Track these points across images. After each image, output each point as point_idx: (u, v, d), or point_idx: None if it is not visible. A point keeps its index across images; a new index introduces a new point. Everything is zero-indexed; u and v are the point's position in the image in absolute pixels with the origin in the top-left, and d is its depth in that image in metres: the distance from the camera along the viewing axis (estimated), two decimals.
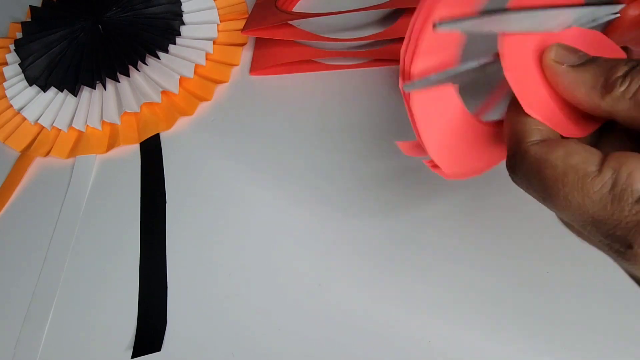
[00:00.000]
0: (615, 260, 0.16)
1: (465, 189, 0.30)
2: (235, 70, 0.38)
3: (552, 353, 0.25)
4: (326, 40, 0.36)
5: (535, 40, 0.18)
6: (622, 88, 0.15)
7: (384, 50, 0.36)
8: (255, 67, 0.37)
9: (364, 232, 0.30)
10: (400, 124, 0.33)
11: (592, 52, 0.18)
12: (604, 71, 0.16)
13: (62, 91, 0.37)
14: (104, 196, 0.34)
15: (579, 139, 0.18)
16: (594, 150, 0.16)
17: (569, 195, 0.15)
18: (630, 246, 0.15)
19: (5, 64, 0.40)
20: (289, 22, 0.36)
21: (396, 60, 0.35)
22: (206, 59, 0.38)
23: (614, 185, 0.15)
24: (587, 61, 0.17)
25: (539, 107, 0.18)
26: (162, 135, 0.36)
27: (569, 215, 0.16)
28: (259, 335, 0.28)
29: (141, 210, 0.33)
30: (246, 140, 0.34)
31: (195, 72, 0.37)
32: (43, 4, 0.42)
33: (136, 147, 0.36)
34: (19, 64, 0.38)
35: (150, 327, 0.29)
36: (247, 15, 0.39)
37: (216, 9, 0.40)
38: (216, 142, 0.35)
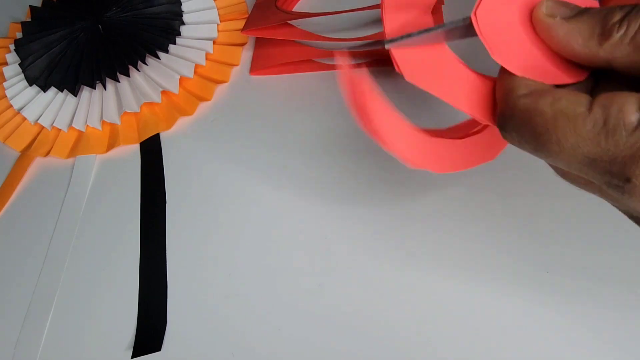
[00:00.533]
0: (615, 201, 0.16)
1: (465, 185, 0.30)
2: (235, 70, 0.38)
3: None
4: (326, 40, 0.36)
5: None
6: (620, 33, 0.15)
7: (384, 50, 0.36)
8: (255, 67, 0.37)
9: (365, 232, 0.30)
10: None
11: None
12: (600, 19, 0.16)
13: (62, 91, 0.37)
14: (104, 196, 0.34)
15: (569, 86, 0.18)
16: (581, 93, 0.16)
17: (561, 139, 0.15)
18: (628, 179, 0.15)
19: (5, 64, 0.40)
20: (288, 22, 0.36)
21: None
22: (206, 58, 0.38)
23: (605, 121, 0.15)
24: (580, 12, 0.16)
25: (525, 64, 0.18)
26: (162, 135, 0.36)
27: (564, 160, 0.16)
28: (259, 336, 0.28)
29: (141, 210, 0.33)
30: (246, 140, 0.34)
31: (195, 72, 0.37)
32: (43, 4, 0.42)
33: (136, 147, 0.36)
34: (19, 64, 0.38)
35: (150, 327, 0.29)
36: (247, 15, 0.39)
37: (216, 9, 0.40)
38: (216, 142, 0.35)
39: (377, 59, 0.35)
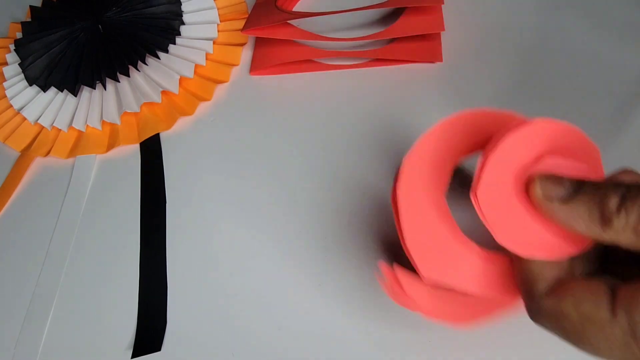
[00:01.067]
0: None
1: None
2: (235, 70, 0.38)
3: None
4: (326, 40, 0.36)
5: (511, 170, 0.18)
6: (621, 223, 0.15)
7: (384, 50, 0.36)
8: (255, 67, 0.37)
9: (365, 233, 0.30)
10: (400, 123, 0.33)
11: (570, 149, 0.18)
12: (597, 204, 0.16)
13: (62, 91, 0.37)
14: (104, 196, 0.34)
15: (584, 260, 0.18)
16: (599, 287, 0.16)
17: (593, 343, 0.16)
18: None
19: (5, 63, 0.40)
20: (288, 21, 0.36)
21: (396, 60, 0.35)
22: (206, 58, 0.38)
23: (633, 329, 0.15)
24: (576, 192, 0.17)
25: (530, 243, 0.18)
26: (162, 135, 0.36)
27: (601, 357, 0.16)
28: (259, 335, 0.28)
29: (141, 210, 0.33)
30: (246, 140, 0.34)
31: (195, 72, 0.37)
32: (43, 3, 0.42)
33: (136, 147, 0.36)
34: (19, 64, 0.38)
35: (150, 327, 0.29)
36: (247, 15, 0.39)
37: (216, 9, 0.40)
38: (216, 141, 0.35)
39: (377, 59, 0.35)
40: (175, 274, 0.30)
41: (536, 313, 0.17)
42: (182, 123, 0.36)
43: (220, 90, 0.37)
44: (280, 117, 0.35)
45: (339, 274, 0.29)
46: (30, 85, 0.38)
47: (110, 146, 0.36)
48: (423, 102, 0.33)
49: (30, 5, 0.41)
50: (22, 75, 0.38)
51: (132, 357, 0.28)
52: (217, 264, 0.30)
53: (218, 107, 0.36)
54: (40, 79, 0.38)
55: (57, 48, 0.38)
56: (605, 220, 0.16)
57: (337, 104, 0.34)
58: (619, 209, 0.15)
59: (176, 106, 0.37)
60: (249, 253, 0.30)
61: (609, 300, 0.15)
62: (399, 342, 0.27)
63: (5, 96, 0.38)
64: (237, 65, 0.38)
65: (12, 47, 0.40)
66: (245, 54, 0.38)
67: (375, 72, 0.35)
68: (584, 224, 0.16)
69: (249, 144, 0.34)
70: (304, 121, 0.34)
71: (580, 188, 0.17)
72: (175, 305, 0.29)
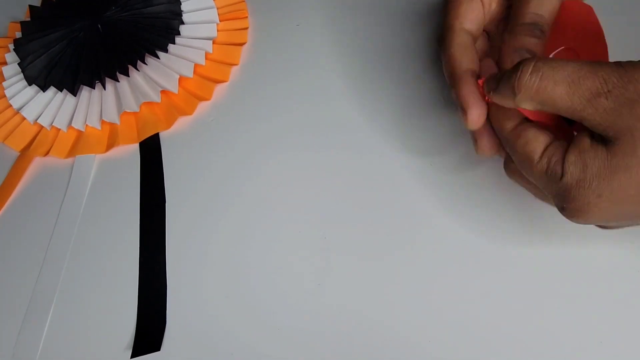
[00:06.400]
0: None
1: (471, 183, 0.30)
2: (234, 70, 0.38)
3: None
4: None
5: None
6: (522, 92, 0.21)
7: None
8: None
9: (365, 232, 0.30)
10: (402, 125, 0.33)
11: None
12: (510, 83, 0.22)
13: (61, 91, 0.37)
14: (104, 196, 0.34)
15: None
16: (541, 137, 0.23)
17: (527, 172, 0.23)
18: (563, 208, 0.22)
19: (5, 63, 0.40)
20: None
21: None
22: (206, 58, 0.38)
23: (548, 168, 0.22)
24: (500, 83, 0.23)
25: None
26: (161, 135, 0.36)
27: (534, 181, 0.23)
28: (258, 335, 0.28)
29: (140, 210, 0.33)
30: (246, 139, 0.34)
31: (194, 72, 0.37)
32: (42, 3, 0.42)
33: (135, 147, 0.36)
34: (18, 64, 0.38)
35: (150, 327, 0.29)
36: (247, 15, 0.39)
37: (215, 9, 0.40)
38: (216, 141, 0.35)
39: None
40: (174, 274, 0.30)
41: (503, 142, 0.24)
42: (181, 123, 0.36)
43: (219, 90, 0.37)
44: (280, 117, 0.35)
45: (338, 274, 0.29)
46: (30, 84, 0.38)
47: (110, 146, 0.36)
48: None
49: (29, 5, 0.41)
50: (22, 75, 0.38)
51: (132, 357, 0.28)
52: (216, 264, 0.30)
53: (218, 106, 0.36)
54: (39, 78, 0.38)
55: (56, 48, 0.38)
56: (514, 94, 0.22)
57: (336, 103, 0.34)
58: (518, 86, 0.21)
59: (176, 106, 0.37)
60: (248, 253, 0.30)
61: (542, 149, 0.22)
62: (399, 342, 0.27)
63: (4, 96, 0.38)
64: (236, 64, 0.38)
65: (11, 46, 0.40)
66: (245, 54, 0.38)
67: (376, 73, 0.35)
68: (505, 102, 0.23)
69: (249, 143, 0.34)
70: (304, 121, 0.34)
71: (502, 77, 0.23)
72: (175, 305, 0.29)
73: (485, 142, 0.26)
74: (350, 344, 0.27)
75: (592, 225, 0.23)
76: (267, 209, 0.31)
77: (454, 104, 0.26)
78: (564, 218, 0.22)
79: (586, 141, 0.21)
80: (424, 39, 0.35)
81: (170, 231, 0.32)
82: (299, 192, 0.32)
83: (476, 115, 0.25)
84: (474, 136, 0.26)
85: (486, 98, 0.25)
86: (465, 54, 0.26)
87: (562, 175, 0.21)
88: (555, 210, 0.23)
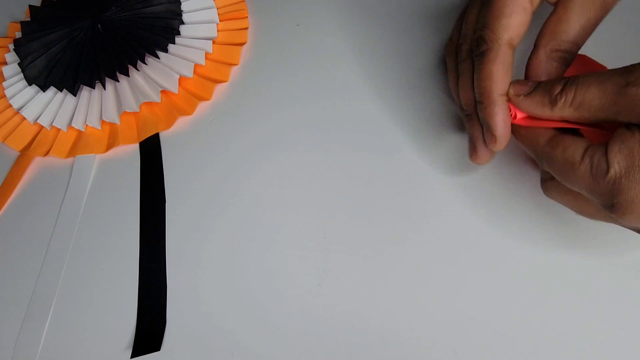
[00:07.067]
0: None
1: (473, 180, 0.30)
2: (234, 70, 0.38)
3: None
4: None
5: None
6: (562, 100, 0.22)
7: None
8: None
9: (365, 233, 0.30)
10: (402, 125, 0.33)
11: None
12: (547, 92, 0.23)
13: (61, 91, 0.37)
14: (104, 196, 0.34)
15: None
16: (579, 142, 0.22)
17: (570, 179, 0.22)
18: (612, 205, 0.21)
19: (5, 63, 0.40)
20: None
21: None
22: (206, 58, 0.38)
23: (591, 168, 0.21)
24: (534, 88, 0.23)
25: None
26: (161, 135, 0.36)
27: (576, 188, 0.23)
28: (258, 335, 0.28)
29: (140, 210, 0.33)
30: (245, 139, 0.34)
31: (194, 72, 0.37)
32: (42, 3, 0.42)
33: (135, 147, 0.36)
34: (18, 64, 0.38)
35: (150, 327, 0.29)
36: (247, 15, 0.39)
37: (215, 9, 0.40)
38: (215, 141, 0.35)
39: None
40: (174, 274, 0.30)
41: (539, 159, 0.24)
42: (181, 123, 0.36)
43: (219, 90, 0.37)
44: (280, 117, 0.35)
45: (337, 274, 0.29)
46: (30, 84, 0.38)
47: (110, 146, 0.36)
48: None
49: (29, 5, 0.41)
50: (22, 75, 0.38)
51: (132, 357, 0.28)
52: (216, 264, 0.30)
53: (218, 106, 0.36)
54: (39, 78, 0.38)
55: (56, 48, 0.38)
56: (552, 102, 0.23)
57: (336, 103, 0.34)
58: (561, 92, 0.22)
59: (176, 106, 0.37)
60: (248, 253, 0.30)
61: (582, 151, 0.22)
62: (399, 342, 0.27)
63: (4, 96, 0.38)
64: (236, 64, 0.38)
65: (11, 46, 0.40)
66: (245, 54, 0.38)
67: (378, 74, 0.35)
68: (539, 108, 0.23)
69: (248, 143, 0.34)
70: (304, 121, 0.34)
71: (537, 85, 0.23)
72: (175, 305, 0.29)
73: (485, 151, 0.26)
74: (350, 344, 0.27)
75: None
76: (267, 209, 0.31)
77: (463, 111, 0.26)
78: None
79: (625, 132, 0.21)
80: (424, 39, 0.35)
81: (170, 231, 0.32)
82: (299, 192, 0.32)
83: (505, 140, 0.24)
84: (474, 145, 0.26)
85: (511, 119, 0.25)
86: (507, 75, 0.24)
87: (608, 169, 0.20)
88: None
